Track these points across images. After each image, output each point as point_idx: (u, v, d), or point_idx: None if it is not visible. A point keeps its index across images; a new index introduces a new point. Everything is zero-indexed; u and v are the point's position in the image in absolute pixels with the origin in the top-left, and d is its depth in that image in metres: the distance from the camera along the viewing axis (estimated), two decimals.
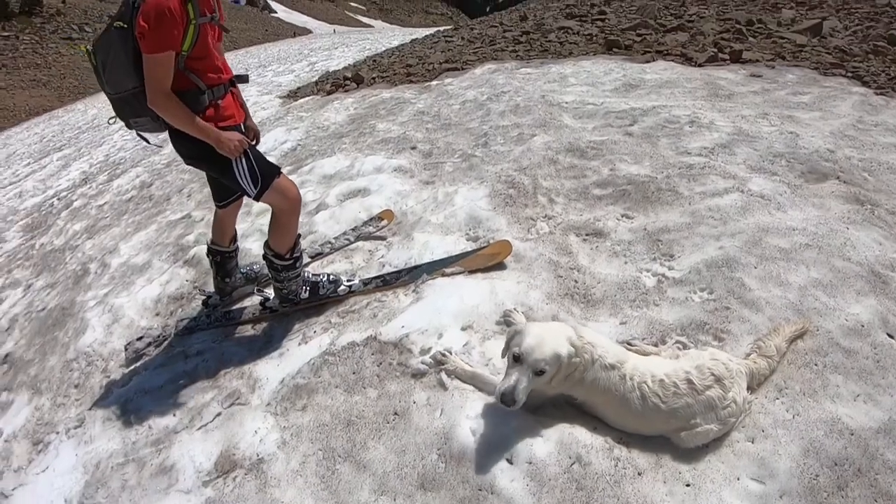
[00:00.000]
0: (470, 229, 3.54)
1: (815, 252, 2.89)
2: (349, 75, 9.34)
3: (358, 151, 5.38)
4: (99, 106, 30.35)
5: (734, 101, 5.15)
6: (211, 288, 3.65)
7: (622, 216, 3.43)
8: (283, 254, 2.97)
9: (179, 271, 4.26)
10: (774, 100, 5.10)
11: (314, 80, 13.45)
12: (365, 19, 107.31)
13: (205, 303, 3.60)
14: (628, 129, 4.59)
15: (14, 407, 3.54)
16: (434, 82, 7.66)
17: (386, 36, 35.53)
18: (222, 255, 3.39)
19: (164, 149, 9.87)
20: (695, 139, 4.27)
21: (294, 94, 11.50)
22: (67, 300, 4.71)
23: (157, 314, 3.87)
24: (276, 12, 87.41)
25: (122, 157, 11.83)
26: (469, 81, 7.15)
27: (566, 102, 5.32)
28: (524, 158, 4.15)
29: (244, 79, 2.99)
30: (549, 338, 1.98)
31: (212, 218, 4.72)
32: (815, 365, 2.32)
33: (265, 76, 19.24)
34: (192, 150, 2.78)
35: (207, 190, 5.86)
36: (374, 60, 12.16)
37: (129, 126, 2.87)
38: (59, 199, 10.11)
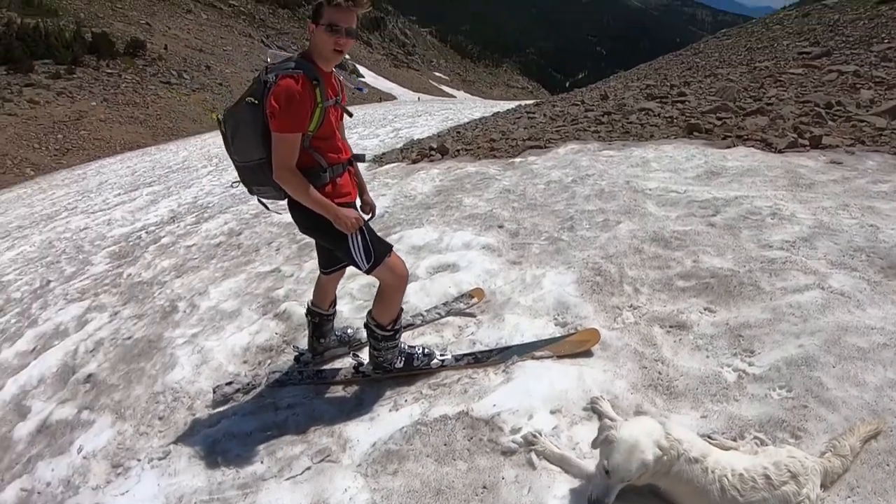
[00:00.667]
0: (558, 314, 3.73)
1: (892, 352, 2.95)
2: (434, 146, 9.81)
3: (446, 225, 5.70)
4: (190, 149, 32.32)
5: (814, 190, 5.21)
6: (303, 344, 3.91)
7: (705, 309, 3.57)
8: (386, 325, 3.18)
9: (269, 323, 4.54)
10: (854, 189, 5.14)
11: (399, 146, 14.04)
12: (448, 89, 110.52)
13: (297, 359, 3.86)
14: (711, 219, 4.74)
15: (96, 427, 3.83)
16: (518, 159, 7.97)
17: (468, 106, 36.53)
18: (321, 317, 3.66)
19: (252, 199, 10.47)
20: (776, 232, 4.37)
21: (380, 160, 12.03)
22: (155, 333, 5.05)
23: (245, 362, 4.15)
24: (363, 77, 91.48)
25: (210, 201, 12.45)
26: (553, 161, 7.43)
27: (650, 189, 5.53)
28: (610, 246, 4.36)
29: (361, 158, 3.30)
30: (637, 450, 2.12)
31: (300, 274, 5.11)
32: (888, 465, 2.38)
33: (350, 138, 20.01)
34: (310, 222, 3.02)
35: (296, 246, 6.27)
36: (458, 132, 12.68)
37: (251, 192, 3.14)
38: (147, 232, 10.66)
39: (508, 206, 5.85)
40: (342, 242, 3.00)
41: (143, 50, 60.30)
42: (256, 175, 2.96)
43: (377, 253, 3.03)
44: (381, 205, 7.25)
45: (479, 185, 7.09)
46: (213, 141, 35.38)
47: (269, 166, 2.81)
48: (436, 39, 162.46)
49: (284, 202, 3.09)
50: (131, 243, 9.95)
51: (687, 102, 9.70)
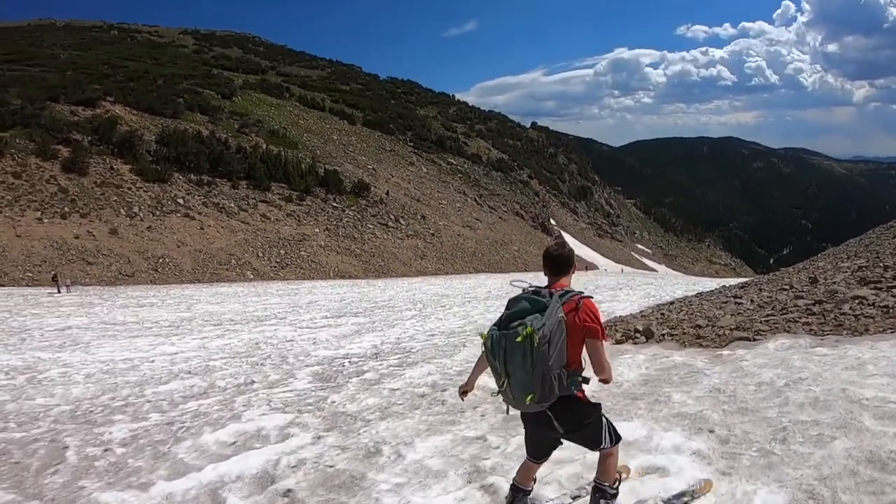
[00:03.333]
0: None
1: None
2: (640, 328, 10.17)
3: (655, 422, 5.92)
4: (397, 289, 35.00)
5: None
6: None
7: None
8: (613, 484, 3.88)
9: (475, 493, 4.82)
10: None
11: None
12: (650, 262, 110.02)
13: None
14: None
15: None
16: (725, 351, 8.07)
17: (669, 282, 36.24)
18: (524, 492, 4.16)
19: (455, 355, 11.08)
20: None
21: None
22: (358, 471, 5.31)
23: None
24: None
25: (412, 346, 13.19)
26: (763, 358, 7.41)
27: (866, 399, 5.39)
28: (825, 466, 4.37)
29: None
30: None
31: (507, 448, 5.64)
32: None
33: None
34: (584, 417, 3.62)
35: (501, 415, 6.55)
36: (662, 314, 12.87)
37: (518, 405, 3.43)
38: (350, 361, 11.39)
39: (718, 409, 5.93)
40: (599, 428, 3.70)
41: (367, 191, 68.15)
42: (548, 383, 3.24)
43: (618, 434, 3.80)
44: (587, 389, 7.55)
45: (686, 379, 7.24)
46: (419, 287, 37.90)
47: (562, 376, 3.30)
48: (640, 211, 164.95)
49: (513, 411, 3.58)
50: (335, 369, 10.69)
51: None
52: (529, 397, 3.25)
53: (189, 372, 11.03)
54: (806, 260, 19.18)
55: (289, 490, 5.07)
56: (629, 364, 8.53)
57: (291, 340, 15.26)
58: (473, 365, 3.94)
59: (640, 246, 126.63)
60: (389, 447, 6.03)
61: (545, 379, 3.21)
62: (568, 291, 3.39)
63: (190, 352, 13.63)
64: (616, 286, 30.36)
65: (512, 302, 3.39)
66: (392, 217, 66.53)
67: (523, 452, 4.23)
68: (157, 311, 22.72)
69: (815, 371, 6.46)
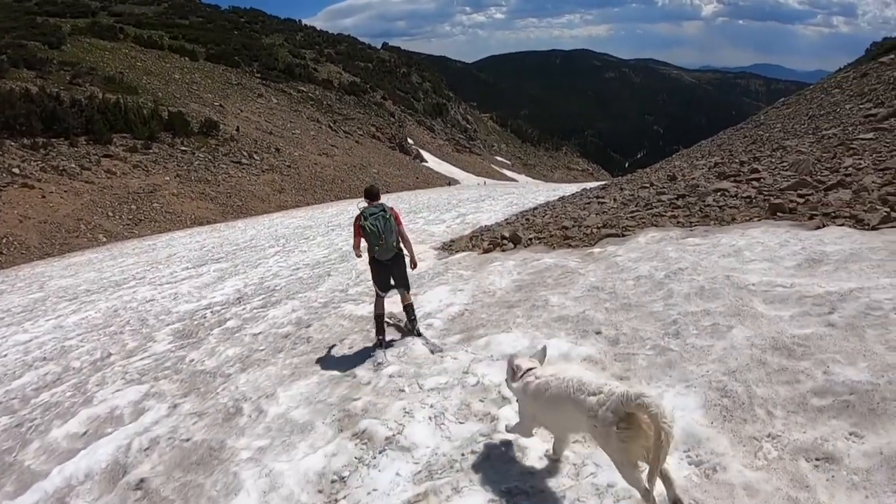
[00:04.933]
0: (690, 449, 3.34)
1: None
2: (507, 234, 9.71)
3: (535, 329, 5.45)
4: (258, 227, 33.16)
5: None
6: None
7: (851, 434, 3.18)
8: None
9: (347, 444, 4.21)
10: None
11: (467, 233, 14.05)
12: (510, 173, 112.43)
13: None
14: (828, 318, 4.34)
15: None
16: (596, 249, 7.78)
17: (531, 190, 36.99)
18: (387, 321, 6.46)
19: (320, 286, 10.42)
20: None
21: (449, 247, 12.00)
22: (216, 439, 4.82)
23: (321, 491, 3.81)
24: (426, 161, 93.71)
25: (277, 283, 12.50)
26: (637, 252, 7.17)
27: (752, 285, 5.17)
28: (729, 358, 4.01)
29: None
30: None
31: (379, 382, 5.22)
32: None
33: (416, 223, 20.32)
34: (403, 264, 6.23)
35: (370, 344, 6.28)
36: (527, 219, 12.61)
37: (384, 254, 5.99)
38: (212, 311, 10.70)
39: (601, 307, 5.56)
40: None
41: (216, 130, 63.14)
42: (396, 239, 5.99)
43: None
44: (459, 301, 7.18)
45: (561, 280, 6.86)
46: (281, 221, 36.27)
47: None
48: (496, 124, 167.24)
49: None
50: (196, 322, 9.98)
51: (762, 180, 9.38)
52: (395, 245, 5.96)
53: (44, 358, 9.72)
54: (661, 161, 19.80)
55: (142, 480, 4.51)
56: (499, 272, 8.05)
57: (151, 300, 13.76)
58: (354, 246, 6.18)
59: (499, 158, 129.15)
60: (250, 404, 5.42)
61: (395, 236, 5.96)
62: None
63: (45, 335, 11.76)
64: (479, 198, 30.29)
65: (368, 209, 5.97)
66: (245, 154, 61.97)
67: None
68: (7, 298, 19.46)
69: (692, 260, 6.24)
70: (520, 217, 14.43)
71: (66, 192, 43.58)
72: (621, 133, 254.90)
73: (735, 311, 4.70)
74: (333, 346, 6.63)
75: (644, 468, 2.80)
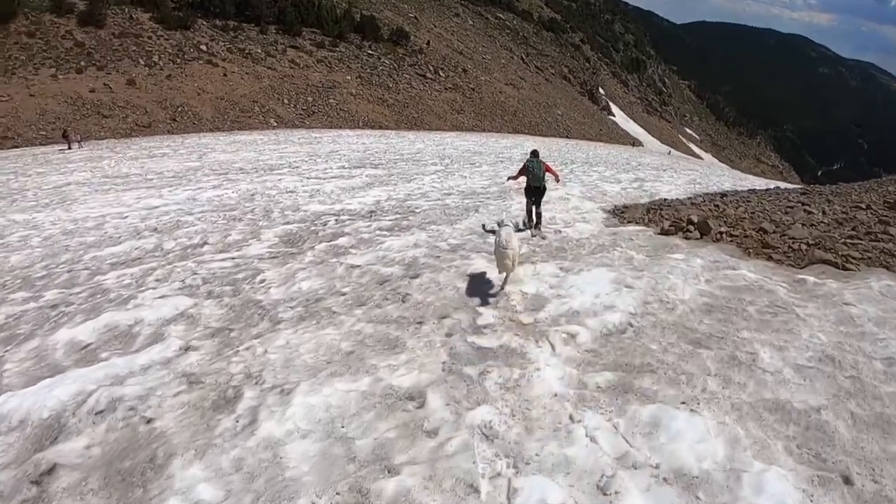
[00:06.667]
0: None
1: None
2: (694, 219, 8.38)
3: (737, 420, 3.66)
4: (427, 142, 33.50)
5: None
6: None
7: None
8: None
9: None
10: None
11: (643, 202, 12.79)
12: (696, 149, 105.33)
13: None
14: None
15: None
16: (810, 277, 6.19)
17: (715, 173, 34.08)
18: (533, 221, 10.00)
19: (461, 221, 9.57)
20: None
21: (621, 214, 10.84)
22: (165, 453, 3.68)
23: None
24: (613, 116, 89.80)
25: (419, 205, 12.11)
26: (873, 305, 5.36)
27: None
28: None
29: None
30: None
31: (459, 421, 4.04)
32: None
33: (591, 175, 19.18)
34: (544, 193, 9.77)
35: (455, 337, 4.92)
36: (717, 205, 10.94)
37: (543, 180, 9.46)
38: (337, 220, 10.46)
39: (843, 411, 3.66)
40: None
41: (405, 40, 64.23)
42: (543, 178, 9.40)
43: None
44: (623, 305, 5.70)
45: (770, 318, 5.21)
46: (451, 142, 36.17)
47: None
48: (693, 95, 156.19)
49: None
50: (312, 229, 9.64)
51: None
52: (542, 180, 9.38)
53: (155, 229, 9.95)
54: (868, 181, 16.64)
55: (54, 467, 3.48)
56: (683, 272, 6.57)
57: (293, 192, 14.05)
58: (516, 177, 9.69)
59: (688, 130, 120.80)
60: (253, 397, 4.16)
61: (543, 175, 9.36)
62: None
63: (174, 205, 12.51)
64: (660, 167, 27.94)
65: (531, 156, 9.50)
66: (431, 68, 62.75)
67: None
68: (166, 162, 21.30)
69: None
70: (707, 200, 12.69)
71: (247, 73, 46.73)
72: (822, 137, 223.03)
73: None
74: (423, 323, 5.32)
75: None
